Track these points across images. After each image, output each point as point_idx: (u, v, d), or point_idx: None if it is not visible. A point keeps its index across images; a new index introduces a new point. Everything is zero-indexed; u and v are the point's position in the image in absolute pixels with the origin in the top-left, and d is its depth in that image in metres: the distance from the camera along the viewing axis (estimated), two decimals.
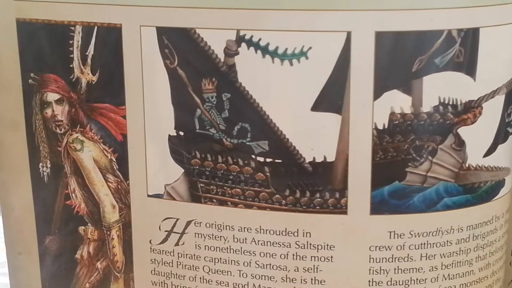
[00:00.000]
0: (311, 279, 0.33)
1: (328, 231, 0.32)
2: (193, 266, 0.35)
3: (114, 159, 0.35)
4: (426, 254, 0.32)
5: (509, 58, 0.32)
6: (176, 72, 0.33)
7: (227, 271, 0.34)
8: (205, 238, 0.34)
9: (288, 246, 0.33)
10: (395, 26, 0.30)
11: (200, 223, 0.34)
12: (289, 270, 0.33)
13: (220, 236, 0.34)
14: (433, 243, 0.32)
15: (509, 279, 0.38)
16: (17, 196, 0.38)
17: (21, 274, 0.39)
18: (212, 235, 0.34)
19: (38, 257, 0.38)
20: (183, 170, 0.34)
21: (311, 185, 0.32)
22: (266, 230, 0.33)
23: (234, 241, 0.34)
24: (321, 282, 0.33)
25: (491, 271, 0.34)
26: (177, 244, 0.35)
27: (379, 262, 0.32)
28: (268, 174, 0.32)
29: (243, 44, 0.31)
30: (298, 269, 0.33)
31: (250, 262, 0.34)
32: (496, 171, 0.33)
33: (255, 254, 0.33)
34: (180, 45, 0.32)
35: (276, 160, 0.32)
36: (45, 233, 0.38)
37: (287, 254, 0.33)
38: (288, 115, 0.32)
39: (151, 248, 0.35)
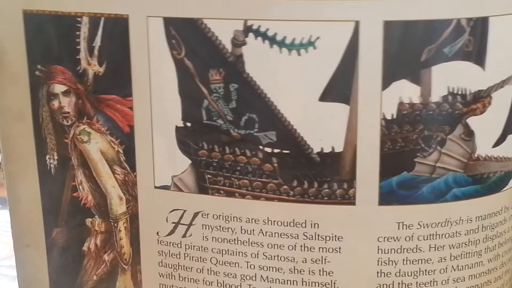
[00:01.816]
0: (319, 270, 0.33)
1: (336, 222, 0.32)
2: (200, 257, 0.34)
3: (121, 151, 0.35)
4: (435, 245, 0.32)
5: None
6: (183, 63, 0.32)
7: (235, 263, 0.34)
8: (212, 229, 0.34)
9: (296, 237, 0.33)
10: (404, 15, 0.30)
11: (207, 214, 0.34)
12: (297, 262, 0.33)
13: (228, 228, 0.34)
14: (442, 234, 0.32)
15: None
16: (24, 189, 0.38)
17: (28, 267, 0.39)
18: (220, 226, 0.34)
19: (45, 250, 0.38)
20: (190, 162, 0.34)
21: (319, 176, 0.32)
22: (274, 221, 0.33)
23: (241, 232, 0.33)
24: (329, 273, 0.33)
25: (500, 262, 0.34)
26: (184, 236, 0.34)
27: (388, 253, 0.32)
28: (275, 165, 0.32)
29: (251, 34, 0.31)
30: (306, 260, 0.33)
31: (257, 254, 0.33)
32: (505, 161, 0.33)
33: (262, 245, 0.33)
34: (187, 36, 0.32)
35: (284, 151, 0.32)
36: (52, 226, 0.38)
37: (295, 245, 0.33)
38: (296, 106, 0.31)
39: (158, 240, 0.35)
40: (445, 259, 0.32)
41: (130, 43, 0.33)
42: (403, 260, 0.32)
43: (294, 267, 0.33)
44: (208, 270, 0.35)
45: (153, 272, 0.36)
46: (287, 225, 0.33)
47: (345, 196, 0.32)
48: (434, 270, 0.33)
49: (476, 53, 0.31)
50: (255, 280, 0.34)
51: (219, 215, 0.34)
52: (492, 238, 0.33)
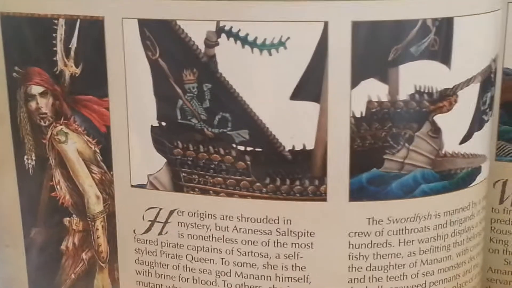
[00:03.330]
0: (292, 266, 0.34)
1: (308, 218, 0.33)
2: (176, 254, 0.35)
3: (98, 151, 0.36)
4: (404, 239, 0.33)
5: (483, 47, 0.33)
6: (158, 64, 0.33)
7: (210, 259, 0.35)
8: (187, 227, 0.35)
9: (269, 234, 0.33)
10: (371, 16, 0.31)
11: (182, 212, 0.34)
12: (270, 257, 0.34)
13: (203, 225, 0.34)
14: (411, 229, 0.33)
15: (488, 266, 0.38)
16: (3, 189, 0.38)
17: (8, 267, 0.40)
18: (195, 223, 0.34)
19: (24, 249, 0.39)
20: (165, 160, 0.34)
21: (291, 173, 0.33)
22: (248, 218, 0.34)
23: (216, 229, 0.34)
24: (301, 268, 0.34)
25: (469, 257, 0.35)
26: (160, 234, 0.35)
27: (358, 248, 0.33)
28: (248, 162, 0.33)
29: (223, 35, 0.32)
30: (279, 256, 0.34)
31: (232, 250, 0.34)
32: (472, 158, 0.33)
33: (237, 242, 0.34)
34: (161, 37, 0.33)
35: (257, 149, 0.33)
36: (31, 225, 0.38)
37: (268, 242, 0.34)
38: (268, 104, 0.32)
39: (135, 237, 0.36)
40: (415, 254, 0.33)
41: (105, 45, 0.34)
42: (374, 254, 0.33)
43: (268, 262, 0.34)
44: (184, 267, 0.35)
45: (130, 269, 0.36)
46: (260, 222, 0.33)
47: (316, 192, 0.33)
48: (404, 264, 0.33)
49: (441, 52, 0.31)
50: (230, 276, 0.34)
51: (194, 213, 0.34)
52: (461, 233, 0.34)
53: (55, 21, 0.34)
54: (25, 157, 0.37)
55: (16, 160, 0.38)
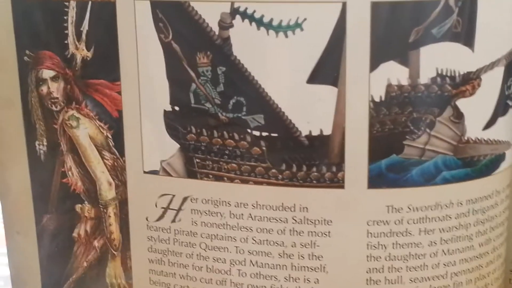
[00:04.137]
0: (309, 255, 0.33)
1: (325, 206, 0.32)
2: (189, 243, 0.34)
3: (110, 136, 0.35)
4: (425, 228, 0.32)
5: (508, 29, 0.31)
6: (170, 46, 0.32)
7: (224, 248, 0.34)
8: (201, 214, 0.34)
9: (285, 222, 0.33)
10: None
11: (196, 199, 0.34)
12: (286, 246, 0.33)
13: (217, 212, 0.33)
14: (432, 218, 0.32)
15: (511, 257, 0.37)
16: (14, 175, 0.38)
17: (19, 254, 0.39)
18: (209, 211, 0.34)
19: (36, 237, 0.38)
20: (178, 146, 0.33)
21: (307, 159, 0.32)
22: (263, 205, 0.33)
23: (230, 217, 0.33)
24: (318, 257, 0.33)
25: (492, 247, 0.34)
26: (173, 221, 0.34)
27: (377, 237, 0.32)
28: (264, 148, 0.32)
29: (238, 17, 0.31)
30: (295, 244, 0.33)
31: (247, 238, 0.33)
32: (496, 144, 0.32)
33: (251, 230, 0.33)
34: (174, 19, 0.32)
35: (272, 134, 0.32)
36: (42, 212, 0.38)
37: (284, 230, 0.33)
38: (284, 88, 0.31)
39: (147, 225, 0.35)
40: (436, 243, 0.32)
41: (117, 27, 0.33)
42: (393, 244, 0.32)
43: (284, 251, 0.33)
44: (197, 255, 0.34)
45: (143, 257, 0.35)
46: (276, 209, 0.33)
47: (334, 179, 0.32)
48: (424, 254, 0.32)
49: (464, 34, 0.30)
50: (245, 265, 0.34)
51: (208, 200, 0.33)
52: (483, 222, 0.33)
53: (66, 4, 0.34)
54: (37, 142, 0.37)
55: (27, 146, 0.37)
